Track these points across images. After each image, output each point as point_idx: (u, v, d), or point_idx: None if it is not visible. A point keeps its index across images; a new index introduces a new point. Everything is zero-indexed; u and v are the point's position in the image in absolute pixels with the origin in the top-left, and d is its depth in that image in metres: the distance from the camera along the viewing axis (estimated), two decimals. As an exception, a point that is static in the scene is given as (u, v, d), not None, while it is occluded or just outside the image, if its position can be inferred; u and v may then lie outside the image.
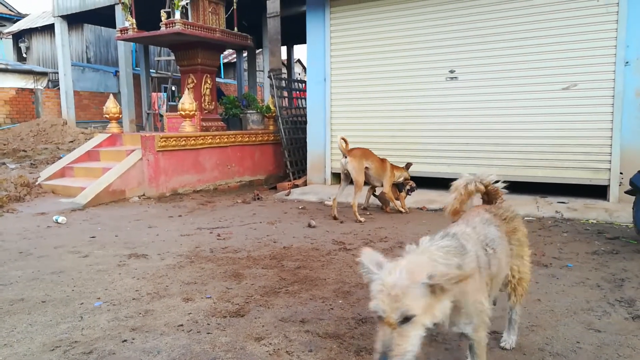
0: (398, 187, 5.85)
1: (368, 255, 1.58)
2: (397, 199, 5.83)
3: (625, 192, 4.42)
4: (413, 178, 6.76)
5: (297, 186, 7.81)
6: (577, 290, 3.14)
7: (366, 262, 1.55)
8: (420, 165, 6.90)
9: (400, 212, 5.79)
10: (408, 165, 5.95)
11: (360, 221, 5.29)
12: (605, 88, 5.70)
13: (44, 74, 16.54)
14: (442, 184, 6.91)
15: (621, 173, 5.59)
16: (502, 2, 6.20)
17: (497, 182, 2.34)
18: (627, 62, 5.56)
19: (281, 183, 8.15)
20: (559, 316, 2.73)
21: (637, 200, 4.16)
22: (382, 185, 5.78)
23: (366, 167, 5.57)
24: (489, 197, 2.37)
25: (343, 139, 5.57)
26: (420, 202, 6.18)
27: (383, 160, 5.79)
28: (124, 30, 8.11)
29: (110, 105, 7.80)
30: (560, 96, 5.95)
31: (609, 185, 5.73)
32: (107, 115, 7.89)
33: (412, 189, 5.89)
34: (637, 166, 4.83)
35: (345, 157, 5.49)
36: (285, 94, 9.33)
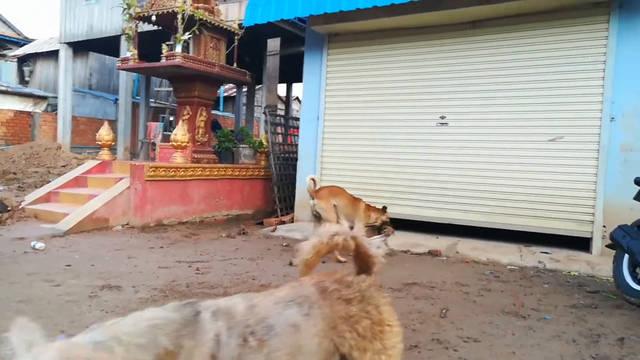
0: (379, 230, 5.76)
1: (20, 328, 1.09)
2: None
3: (607, 246, 4.43)
4: (401, 220, 6.77)
5: (284, 222, 7.78)
6: (552, 344, 3.08)
7: (14, 339, 1.06)
8: (408, 208, 6.92)
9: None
10: (384, 208, 5.85)
11: (341, 261, 5.24)
12: (591, 142, 5.79)
13: (44, 97, 16.72)
14: (429, 227, 6.95)
15: (604, 226, 5.60)
16: (494, 54, 6.37)
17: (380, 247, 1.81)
18: (612, 118, 5.67)
19: (268, 219, 8.11)
20: (531, 372, 2.67)
21: (617, 254, 4.16)
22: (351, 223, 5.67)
23: (334, 205, 5.52)
24: (361, 261, 1.77)
25: (312, 178, 5.57)
26: (405, 245, 6.15)
27: (356, 200, 5.73)
28: (125, 60, 8.26)
29: (103, 133, 7.85)
30: (547, 147, 6.04)
31: (592, 238, 5.74)
32: (99, 142, 7.92)
33: (388, 235, 5.71)
34: (619, 220, 4.84)
35: (313, 199, 5.49)
36: (279, 130, 9.43)
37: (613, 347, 3.07)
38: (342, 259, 5.29)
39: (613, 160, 5.67)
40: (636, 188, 4.22)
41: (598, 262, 5.32)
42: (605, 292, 4.36)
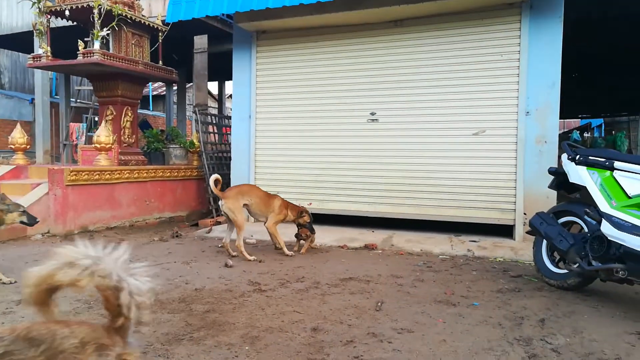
0: (310, 228, 5.65)
1: None
2: (304, 239, 5.68)
3: (527, 233, 4.71)
4: (336, 216, 6.85)
5: (219, 223, 7.61)
6: (480, 329, 3.23)
7: None
8: (342, 204, 7.00)
9: (285, 253, 5.47)
10: (303, 211, 5.69)
11: (249, 260, 5.12)
12: (510, 135, 6.13)
13: (-52, 98, 15.24)
14: (364, 222, 7.07)
15: (525, 214, 5.97)
16: (418, 51, 6.57)
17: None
18: (528, 112, 6.04)
19: (203, 220, 7.90)
20: (461, 357, 2.77)
21: (536, 240, 4.44)
22: (265, 220, 5.61)
23: (245, 204, 5.46)
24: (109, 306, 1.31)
25: (216, 179, 5.47)
26: (342, 240, 6.21)
27: (271, 197, 5.67)
28: (36, 57, 7.69)
29: (17, 135, 7.28)
30: (471, 141, 6.33)
31: (514, 225, 6.09)
32: (12, 146, 7.33)
33: (301, 238, 5.68)
34: (538, 207, 5.17)
35: (220, 200, 5.42)
36: (212, 129, 9.20)
37: (535, 328, 3.26)
38: (250, 257, 5.16)
39: (530, 152, 6.04)
40: (550, 177, 4.51)
41: (521, 248, 5.66)
42: (528, 276, 4.64)
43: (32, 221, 4.57)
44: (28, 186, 6.60)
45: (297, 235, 5.69)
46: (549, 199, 5.73)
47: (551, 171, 4.40)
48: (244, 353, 2.76)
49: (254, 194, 5.58)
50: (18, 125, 7.51)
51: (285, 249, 5.50)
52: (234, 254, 5.32)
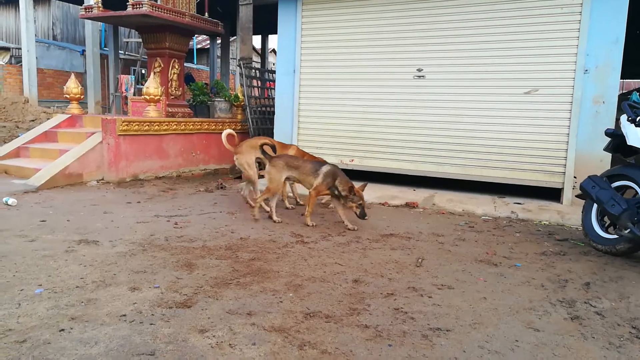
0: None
1: None
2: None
3: (577, 196, 4.57)
4: (378, 173, 6.83)
5: (262, 177, 7.74)
6: (522, 289, 3.22)
7: None
8: (383, 161, 6.95)
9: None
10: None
11: (256, 219, 4.96)
12: (565, 94, 5.85)
13: (6, 49, 15.89)
14: (405, 180, 7.03)
15: (575, 177, 5.76)
16: (471, 4, 6.26)
17: None
18: (586, 70, 5.71)
19: (246, 173, 8.06)
20: (501, 314, 2.80)
21: (586, 204, 4.31)
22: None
23: (258, 157, 5.29)
24: None
25: (230, 134, 5.38)
26: (383, 198, 6.23)
27: (286, 146, 5.59)
28: (88, 8, 7.84)
29: (71, 85, 7.55)
30: (521, 100, 6.08)
31: (563, 189, 5.91)
32: (67, 96, 7.63)
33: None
34: (589, 171, 4.99)
35: (234, 155, 5.42)
36: (255, 83, 9.22)
37: (579, 291, 3.23)
38: (257, 216, 4.99)
39: (585, 113, 5.76)
40: (606, 139, 4.32)
41: (568, 212, 5.51)
42: (574, 240, 4.55)
43: None
44: (83, 135, 6.90)
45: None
46: (603, 163, 5.50)
47: (608, 133, 4.20)
48: (288, 299, 2.88)
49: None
50: (72, 76, 7.77)
51: (286, 202, 5.55)
52: (267, 208, 5.20)
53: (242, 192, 5.68)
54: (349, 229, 4.66)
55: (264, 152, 4.96)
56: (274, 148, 5.12)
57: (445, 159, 6.55)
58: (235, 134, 5.63)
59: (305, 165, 4.87)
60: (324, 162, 4.95)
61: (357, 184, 4.75)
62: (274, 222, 4.90)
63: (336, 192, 4.71)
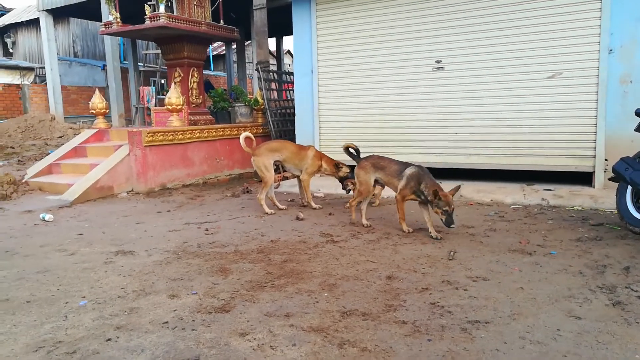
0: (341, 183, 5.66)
1: None
2: (352, 189, 5.51)
3: (609, 179, 4.47)
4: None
5: (286, 178, 7.80)
6: (559, 277, 3.18)
7: None
8: (408, 156, 6.88)
9: (312, 206, 5.59)
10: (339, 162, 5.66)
11: (267, 213, 5.33)
12: (590, 76, 5.72)
13: (31, 69, 16.36)
14: (432, 173, 6.95)
15: (606, 160, 5.63)
16: (488, -10, 6.18)
17: None
18: (611, 50, 5.58)
19: (271, 176, 8.12)
20: (540, 304, 2.76)
21: (620, 187, 4.21)
22: (300, 174, 5.67)
23: (277, 161, 5.58)
24: None
25: (248, 137, 5.58)
26: (409, 193, 6.19)
27: (304, 148, 5.67)
28: (108, 24, 8.02)
29: (96, 101, 7.73)
30: (545, 84, 5.97)
31: (594, 172, 5.78)
32: (93, 111, 7.82)
33: (347, 189, 5.63)
34: (621, 152, 4.87)
35: (252, 157, 5.58)
36: (274, 85, 9.29)
37: (619, 276, 3.16)
38: (269, 211, 5.37)
39: (613, 93, 5.63)
40: (637, 120, 4.21)
41: (601, 196, 5.39)
42: (609, 224, 4.45)
43: None
44: (111, 148, 7.07)
45: (344, 188, 5.72)
46: (634, 144, 5.35)
47: (639, 112, 4.09)
48: (324, 299, 2.91)
49: (285, 149, 5.63)
50: (97, 91, 7.96)
51: (312, 203, 5.62)
52: (305, 203, 5.60)
53: (268, 195, 5.75)
54: (432, 237, 4.21)
55: (351, 154, 4.92)
56: (357, 151, 5.00)
57: (472, 149, 6.48)
58: (253, 137, 5.78)
59: (390, 167, 4.57)
60: (409, 164, 4.54)
61: (447, 186, 4.44)
62: (364, 226, 4.69)
63: (422, 197, 4.31)
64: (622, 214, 4.16)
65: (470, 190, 6.09)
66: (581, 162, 5.86)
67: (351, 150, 4.93)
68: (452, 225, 4.09)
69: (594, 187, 5.76)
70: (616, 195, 4.24)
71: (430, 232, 4.27)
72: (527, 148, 6.14)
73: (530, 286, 3.04)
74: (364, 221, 4.76)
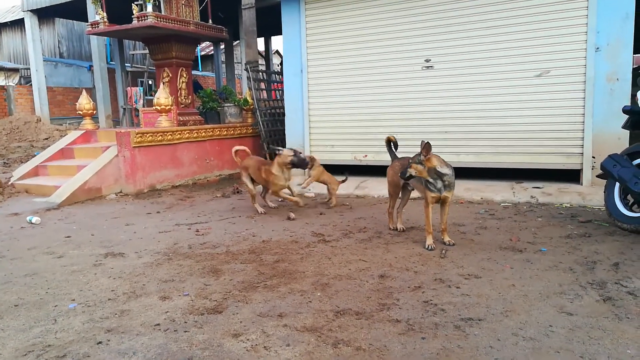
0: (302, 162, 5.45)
1: None
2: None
3: (597, 176, 4.52)
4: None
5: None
6: (550, 274, 3.20)
7: None
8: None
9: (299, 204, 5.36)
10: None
11: (259, 212, 5.44)
12: (577, 74, 5.78)
13: (16, 70, 16.13)
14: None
15: (593, 157, 5.70)
16: (476, -10, 6.22)
17: None
18: (597, 48, 5.64)
19: (261, 176, 8.09)
20: (532, 300, 2.78)
21: (608, 183, 4.26)
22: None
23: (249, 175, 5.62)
24: None
25: (236, 150, 5.78)
26: (400, 191, 6.21)
27: (264, 163, 5.50)
28: (94, 24, 7.93)
29: (84, 102, 7.64)
30: (533, 83, 6.02)
31: (581, 169, 5.84)
32: (80, 112, 7.73)
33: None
34: (608, 150, 4.93)
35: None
36: (263, 85, 9.26)
37: (608, 272, 3.20)
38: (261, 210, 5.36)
39: (600, 91, 5.69)
40: (624, 117, 4.26)
41: (589, 193, 5.45)
42: (598, 221, 4.50)
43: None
44: (99, 149, 6.99)
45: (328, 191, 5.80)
46: (621, 141, 5.43)
47: (626, 110, 4.15)
48: (317, 298, 2.90)
49: (250, 165, 5.55)
50: (84, 92, 7.86)
51: (298, 200, 5.37)
52: (296, 206, 5.46)
53: (260, 194, 5.74)
54: (444, 244, 3.95)
55: (389, 149, 4.65)
56: (395, 144, 4.71)
57: (460, 148, 6.51)
58: (247, 149, 5.85)
59: None
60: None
61: (372, 179, 4.61)
62: (398, 230, 4.47)
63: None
64: (610, 211, 4.21)
65: (461, 188, 6.11)
66: (569, 160, 5.92)
67: (392, 144, 4.64)
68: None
69: (582, 185, 5.82)
70: (604, 192, 4.29)
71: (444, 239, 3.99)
72: (516, 146, 6.19)
73: (521, 283, 3.06)
74: (399, 225, 4.49)
